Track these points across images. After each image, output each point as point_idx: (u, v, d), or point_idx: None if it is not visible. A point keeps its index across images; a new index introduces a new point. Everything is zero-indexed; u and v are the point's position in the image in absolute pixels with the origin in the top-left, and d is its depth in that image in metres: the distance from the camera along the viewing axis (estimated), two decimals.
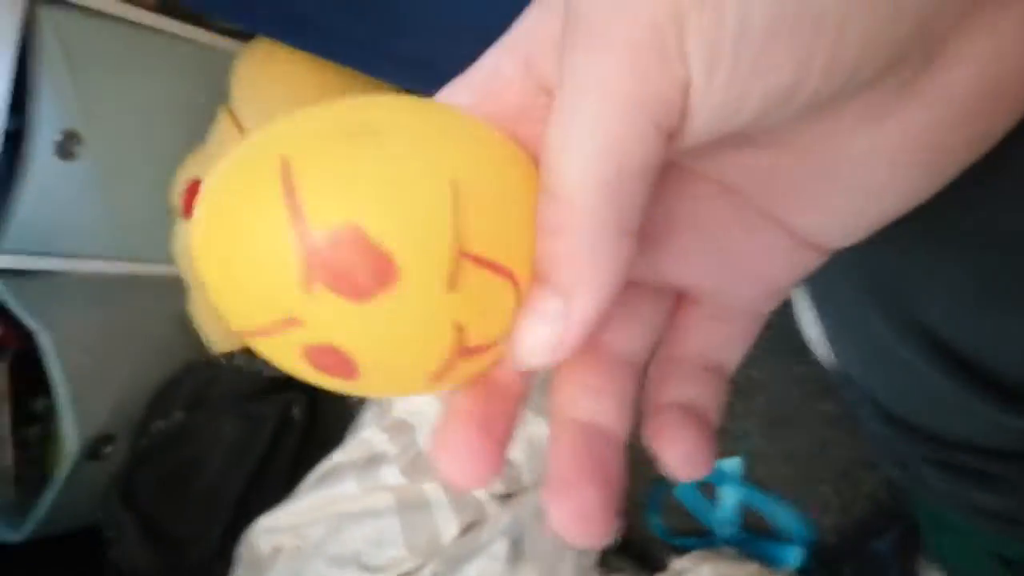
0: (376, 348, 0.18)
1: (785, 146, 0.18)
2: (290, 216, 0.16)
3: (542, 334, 0.18)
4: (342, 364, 0.18)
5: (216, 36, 1.11)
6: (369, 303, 0.17)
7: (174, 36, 1.06)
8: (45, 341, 0.94)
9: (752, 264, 0.21)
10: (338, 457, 0.82)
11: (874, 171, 0.18)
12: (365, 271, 0.16)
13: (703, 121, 0.16)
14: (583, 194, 0.16)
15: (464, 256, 0.17)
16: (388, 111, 0.19)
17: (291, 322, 0.17)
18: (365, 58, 0.87)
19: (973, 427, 0.33)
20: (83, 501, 0.97)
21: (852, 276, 0.31)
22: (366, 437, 0.82)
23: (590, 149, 0.16)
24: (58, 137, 0.97)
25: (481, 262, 0.18)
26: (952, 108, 0.17)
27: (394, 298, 0.17)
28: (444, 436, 0.19)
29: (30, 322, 0.94)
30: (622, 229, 0.17)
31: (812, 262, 0.21)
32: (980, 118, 0.18)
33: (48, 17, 0.93)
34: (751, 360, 0.86)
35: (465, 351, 0.19)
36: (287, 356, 0.18)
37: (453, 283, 0.17)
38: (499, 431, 0.20)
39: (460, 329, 0.18)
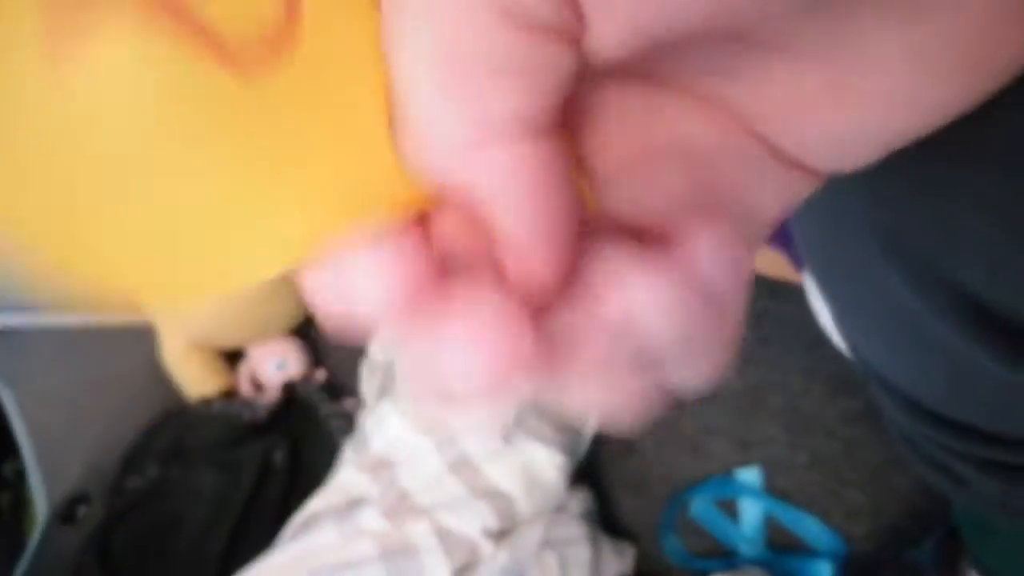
0: None
1: (784, 48, 0.15)
2: None
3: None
4: None
5: None
6: None
7: None
8: (8, 400, 0.89)
9: (736, 197, 0.17)
10: (316, 504, 0.75)
11: (900, 79, 0.15)
12: None
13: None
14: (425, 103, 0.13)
15: None
16: None
17: None
18: None
19: (1021, 416, 0.28)
20: (60, 568, 0.92)
21: (867, 239, 0.25)
22: (344, 479, 0.76)
23: (417, 48, 0.13)
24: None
25: None
26: None
27: None
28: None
29: None
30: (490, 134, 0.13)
31: (808, 188, 0.17)
32: None
33: None
34: (763, 358, 0.81)
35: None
36: None
37: None
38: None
39: None
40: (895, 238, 0.24)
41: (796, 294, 0.82)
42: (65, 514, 0.93)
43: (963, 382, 0.27)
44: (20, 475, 0.94)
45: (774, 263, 0.77)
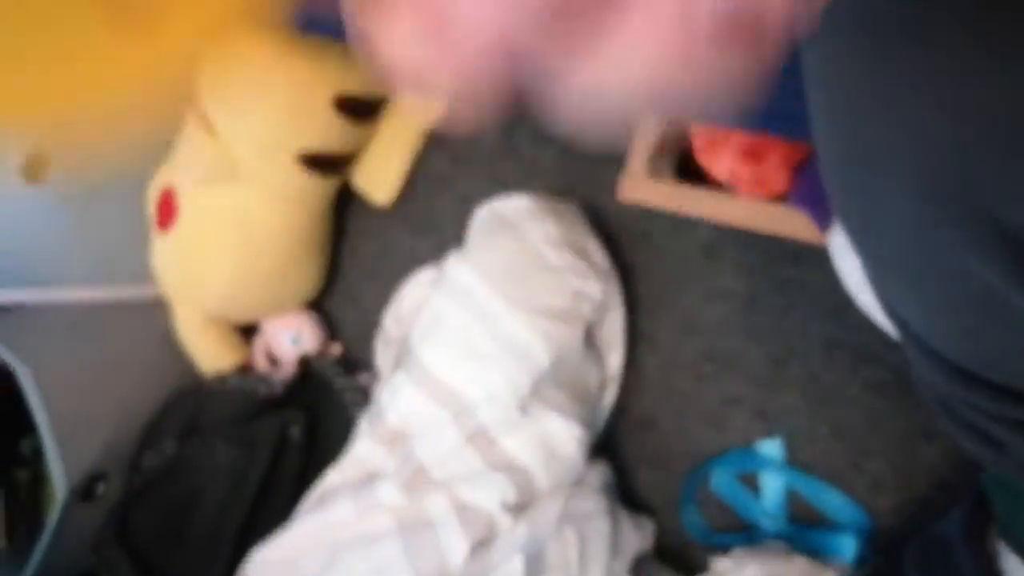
0: None
1: None
2: None
3: None
4: None
5: None
6: None
7: None
8: (24, 377, 0.88)
9: None
10: (332, 478, 0.75)
11: None
12: None
13: None
14: None
15: None
16: None
17: None
18: None
19: None
20: (79, 545, 0.92)
21: (910, 184, 0.24)
22: (360, 453, 0.75)
23: None
24: (22, 160, 0.92)
25: None
26: None
27: None
28: None
29: (7, 359, 0.89)
30: None
31: None
32: None
33: None
34: (783, 328, 0.79)
35: None
36: None
37: None
38: None
39: None
40: (939, 179, 0.22)
41: (819, 259, 0.79)
42: (84, 491, 0.92)
43: (1003, 336, 0.26)
44: (38, 452, 0.94)
45: (797, 226, 0.74)
